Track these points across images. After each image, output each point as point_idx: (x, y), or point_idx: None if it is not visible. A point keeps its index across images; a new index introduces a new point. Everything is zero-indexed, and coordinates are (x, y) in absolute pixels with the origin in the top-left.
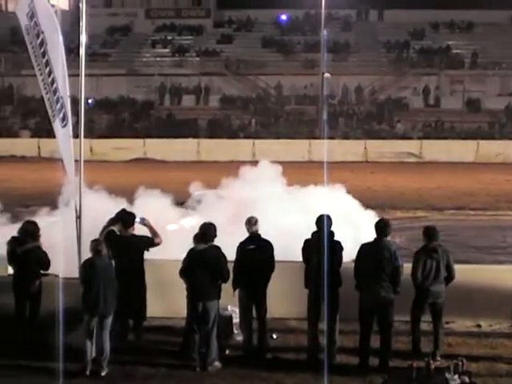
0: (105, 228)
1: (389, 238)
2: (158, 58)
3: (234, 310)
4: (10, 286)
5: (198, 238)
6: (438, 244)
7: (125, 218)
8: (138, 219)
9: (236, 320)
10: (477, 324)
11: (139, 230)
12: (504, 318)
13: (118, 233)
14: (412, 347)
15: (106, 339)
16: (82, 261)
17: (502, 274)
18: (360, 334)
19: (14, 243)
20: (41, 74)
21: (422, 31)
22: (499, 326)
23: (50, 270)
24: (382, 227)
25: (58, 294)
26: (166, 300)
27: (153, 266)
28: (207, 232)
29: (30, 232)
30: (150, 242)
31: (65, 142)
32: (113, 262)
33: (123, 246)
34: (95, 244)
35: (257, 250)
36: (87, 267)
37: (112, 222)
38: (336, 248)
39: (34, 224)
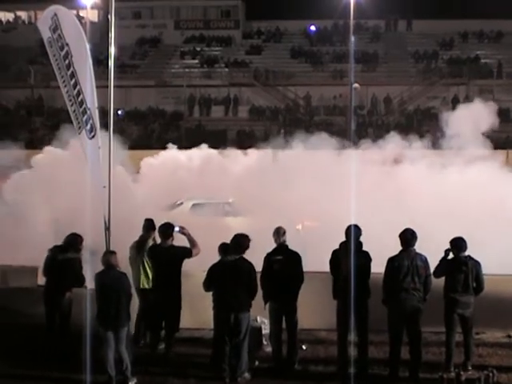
0: (140, 241)
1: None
2: (187, 69)
3: (263, 322)
4: (41, 297)
5: (231, 249)
6: (469, 256)
7: (163, 229)
8: (176, 228)
9: (265, 331)
10: (507, 335)
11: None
12: None
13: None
14: (445, 358)
15: (123, 351)
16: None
17: None
18: (390, 344)
19: (55, 251)
20: (65, 86)
21: (450, 41)
22: None
23: None
24: (409, 238)
25: (85, 305)
26: (195, 311)
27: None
28: (241, 243)
29: (73, 243)
30: (189, 252)
31: (93, 153)
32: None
33: (163, 257)
34: (107, 257)
35: (284, 262)
36: (98, 280)
37: (146, 234)
38: (364, 258)
39: (79, 236)
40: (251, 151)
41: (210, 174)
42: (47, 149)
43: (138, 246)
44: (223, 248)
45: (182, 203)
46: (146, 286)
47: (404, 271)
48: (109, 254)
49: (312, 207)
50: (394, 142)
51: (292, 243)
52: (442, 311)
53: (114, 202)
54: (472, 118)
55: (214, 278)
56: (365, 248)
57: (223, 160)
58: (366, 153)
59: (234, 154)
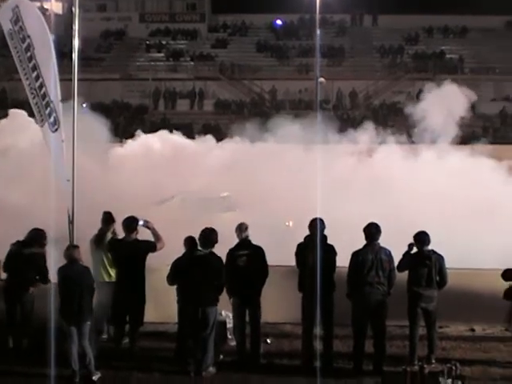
0: (99, 235)
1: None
2: (153, 63)
3: (227, 315)
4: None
5: (200, 243)
6: (432, 250)
7: (127, 223)
8: (141, 222)
9: (230, 325)
10: (470, 328)
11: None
12: (497, 322)
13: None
14: (409, 351)
15: (86, 345)
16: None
17: (496, 278)
18: (354, 338)
19: (19, 246)
20: (27, 79)
21: (416, 36)
22: (493, 330)
23: None
24: (374, 232)
25: (49, 299)
26: (160, 305)
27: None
28: (210, 237)
29: (37, 238)
30: (153, 246)
31: (56, 147)
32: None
33: (126, 251)
34: (69, 251)
35: (248, 257)
36: (61, 274)
37: (105, 227)
38: (329, 252)
39: (42, 231)
40: (226, 141)
41: (184, 163)
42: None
43: (97, 240)
44: (189, 242)
45: (172, 197)
46: (106, 279)
47: (368, 265)
48: (71, 248)
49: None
50: (366, 135)
51: (282, 239)
52: (406, 305)
53: (81, 195)
54: (445, 100)
55: (181, 272)
56: (338, 240)
57: (197, 148)
58: (337, 146)
59: (207, 143)
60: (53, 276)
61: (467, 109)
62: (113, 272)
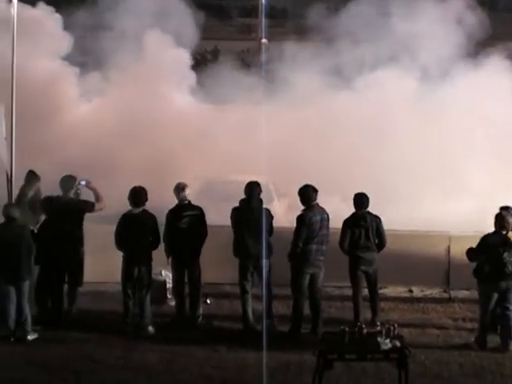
0: (20, 194)
1: None
2: None
3: (167, 275)
4: None
5: (130, 203)
6: (367, 211)
7: (64, 181)
8: (82, 182)
9: (169, 285)
10: (409, 289)
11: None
12: (435, 283)
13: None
14: (354, 314)
15: (24, 304)
16: None
17: (434, 240)
18: (294, 299)
19: None
20: None
21: None
22: (431, 292)
23: None
24: (312, 194)
25: None
26: (100, 265)
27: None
28: (139, 195)
29: None
30: (91, 205)
31: None
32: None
33: (61, 210)
34: (7, 209)
35: (190, 218)
36: None
37: (25, 186)
38: (265, 216)
39: None
40: None
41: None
42: None
43: (17, 199)
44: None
45: None
46: None
47: (317, 227)
48: (9, 207)
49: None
50: None
51: None
52: (346, 266)
53: None
54: None
55: (119, 234)
56: None
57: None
58: None
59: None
60: None
61: None
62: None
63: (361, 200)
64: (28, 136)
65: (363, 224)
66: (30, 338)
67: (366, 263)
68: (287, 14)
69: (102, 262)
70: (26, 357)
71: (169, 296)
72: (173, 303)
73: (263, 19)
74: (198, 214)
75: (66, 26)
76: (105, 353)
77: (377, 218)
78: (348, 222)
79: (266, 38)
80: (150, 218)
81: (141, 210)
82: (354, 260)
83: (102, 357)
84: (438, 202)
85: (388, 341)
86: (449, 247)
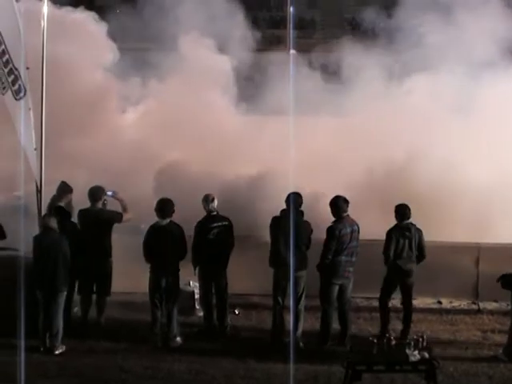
0: (51, 204)
1: None
2: None
3: (195, 286)
4: None
5: (157, 215)
6: (411, 223)
7: (93, 192)
8: (109, 192)
9: (198, 296)
10: (437, 301)
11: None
12: (464, 295)
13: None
14: (381, 324)
15: (57, 316)
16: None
17: (463, 251)
18: (323, 310)
19: None
20: None
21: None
22: (459, 303)
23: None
24: (342, 205)
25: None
26: (128, 275)
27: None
28: (166, 207)
29: None
30: (119, 216)
31: (23, 115)
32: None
33: (91, 220)
34: (45, 219)
35: (216, 229)
36: (36, 244)
37: (56, 197)
38: (303, 228)
39: None
40: None
41: None
42: None
43: (48, 209)
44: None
45: None
46: None
47: (347, 239)
48: (48, 216)
49: None
50: None
51: None
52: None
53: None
54: None
55: (148, 247)
56: None
57: None
58: None
59: None
60: (23, 244)
61: None
62: None
63: (404, 211)
64: (67, 146)
65: (408, 235)
66: (57, 352)
67: (405, 274)
68: (315, 24)
69: (130, 272)
70: (57, 367)
71: (197, 306)
72: (201, 314)
73: (291, 30)
74: (227, 225)
75: (110, 33)
76: (134, 363)
77: (419, 230)
78: (393, 232)
79: (293, 48)
80: (178, 229)
81: (168, 221)
82: (395, 270)
83: (131, 367)
84: None
85: (416, 352)
86: (478, 258)
